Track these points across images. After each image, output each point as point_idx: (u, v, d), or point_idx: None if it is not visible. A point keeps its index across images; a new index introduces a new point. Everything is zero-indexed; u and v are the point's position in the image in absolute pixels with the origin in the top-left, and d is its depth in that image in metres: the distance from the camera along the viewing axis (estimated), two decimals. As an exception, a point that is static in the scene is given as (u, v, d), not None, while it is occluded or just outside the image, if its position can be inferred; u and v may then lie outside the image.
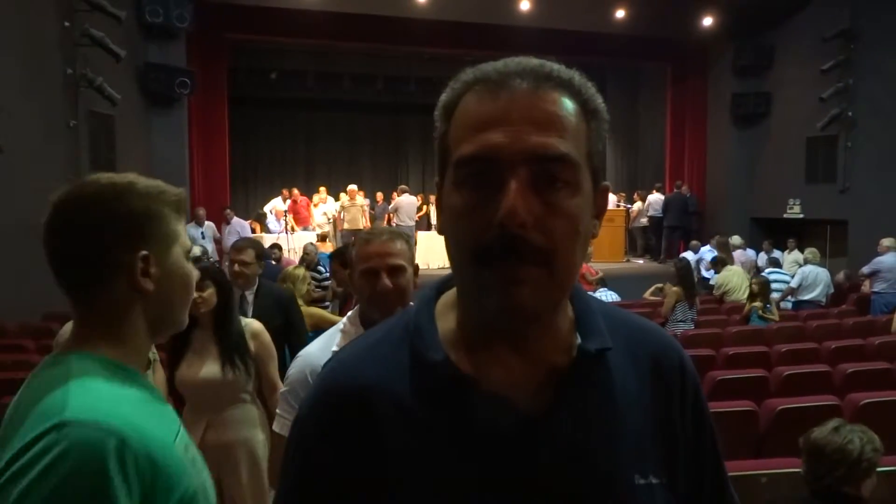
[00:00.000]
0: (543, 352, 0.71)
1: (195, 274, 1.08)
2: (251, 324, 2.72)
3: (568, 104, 0.66)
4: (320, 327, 4.06)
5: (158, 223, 1.01)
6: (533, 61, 0.68)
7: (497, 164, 0.63)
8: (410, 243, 1.80)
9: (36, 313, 5.92)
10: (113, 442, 0.81)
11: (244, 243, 3.77)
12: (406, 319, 0.75)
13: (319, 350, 1.76)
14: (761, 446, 3.62)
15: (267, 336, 2.72)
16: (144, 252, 0.98)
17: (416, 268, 1.79)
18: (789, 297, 8.38)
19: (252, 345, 2.64)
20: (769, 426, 3.60)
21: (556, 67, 0.68)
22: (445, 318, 0.73)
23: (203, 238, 9.43)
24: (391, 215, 11.68)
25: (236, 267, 3.51)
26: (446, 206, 0.68)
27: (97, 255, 0.97)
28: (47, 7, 6.93)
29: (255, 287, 3.62)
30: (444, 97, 0.70)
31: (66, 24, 7.12)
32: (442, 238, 0.71)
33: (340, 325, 1.84)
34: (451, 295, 0.76)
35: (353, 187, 11.90)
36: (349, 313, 1.83)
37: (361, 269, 1.70)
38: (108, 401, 0.87)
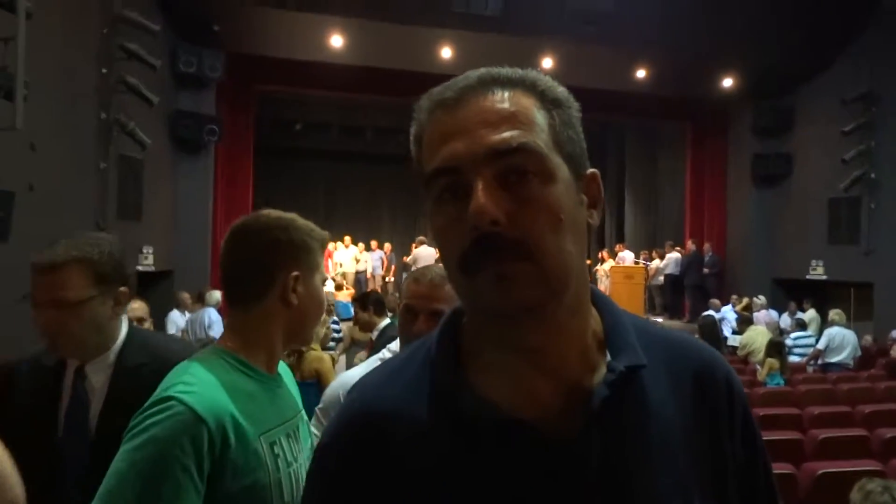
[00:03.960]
0: (569, 370, 0.67)
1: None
2: None
3: (521, 99, 0.66)
4: (321, 378, 3.97)
5: (309, 253, 1.26)
6: (481, 70, 0.69)
7: (462, 171, 0.63)
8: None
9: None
10: (194, 423, 1.02)
11: (64, 251, 1.46)
12: (428, 344, 0.74)
13: (358, 375, 1.76)
14: (802, 512, 3.47)
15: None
16: (296, 273, 1.23)
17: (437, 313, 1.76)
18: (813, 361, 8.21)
19: None
20: (809, 491, 3.46)
21: (504, 70, 0.69)
22: (466, 343, 0.71)
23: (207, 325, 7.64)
24: (410, 266, 11.70)
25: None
26: (432, 227, 0.68)
27: (261, 273, 1.22)
28: (88, 54, 7.14)
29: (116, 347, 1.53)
30: (413, 129, 0.71)
31: (104, 70, 7.33)
32: None
33: (382, 354, 1.88)
34: None
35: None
36: (390, 344, 1.85)
37: (404, 304, 1.70)
38: (209, 389, 1.09)
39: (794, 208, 11.51)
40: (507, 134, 0.63)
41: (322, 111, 14.52)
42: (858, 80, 10.03)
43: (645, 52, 10.49)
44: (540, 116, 0.66)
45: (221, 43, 9.60)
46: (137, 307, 2.79)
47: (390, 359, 0.78)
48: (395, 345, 1.86)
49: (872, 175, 10.02)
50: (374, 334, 4.59)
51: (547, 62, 10.69)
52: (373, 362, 1.84)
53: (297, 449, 1.21)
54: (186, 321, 7.84)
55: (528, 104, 0.66)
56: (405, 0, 9.17)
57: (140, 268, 8.41)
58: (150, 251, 8.52)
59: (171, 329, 7.82)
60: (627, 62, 10.89)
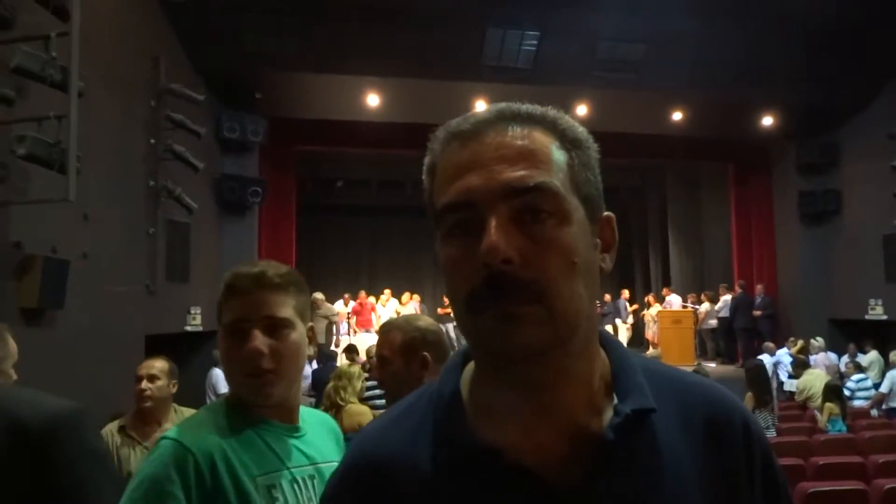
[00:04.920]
0: (574, 414, 0.64)
1: None
2: None
3: (540, 138, 0.65)
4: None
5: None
6: (500, 105, 0.68)
7: (476, 207, 0.62)
8: (408, 334, 1.77)
9: (104, 414, 6.02)
10: (180, 453, 1.08)
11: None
12: (432, 388, 0.72)
13: None
14: (868, 571, 3.25)
15: None
16: (311, 324, 1.29)
17: (423, 359, 1.74)
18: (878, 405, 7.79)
19: None
20: (876, 548, 3.24)
21: (524, 107, 0.67)
22: (471, 386, 0.69)
23: None
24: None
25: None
26: (440, 262, 0.66)
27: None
28: (137, 126, 7.51)
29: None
30: (426, 159, 0.70)
31: (152, 140, 7.68)
32: None
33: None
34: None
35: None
36: None
37: None
38: (199, 427, 1.15)
39: (847, 246, 11.12)
40: (524, 171, 0.62)
41: (362, 168, 14.83)
42: (904, 112, 9.78)
43: (680, 94, 10.47)
44: (559, 156, 0.65)
45: (262, 108, 9.98)
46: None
47: (393, 406, 0.76)
48: None
49: (928, 209, 9.65)
50: None
51: (581, 109, 10.75)
52: None
53: (306, 497, 1.18)
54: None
55: (547, 142, 0.65)
56: (437, 57, 9.41)
57: (188, 328, 8.61)
58: (199, 311, 8.73)
59: (221, 388, 7.87)
60: (663, 106, 10.88)
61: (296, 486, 1.17)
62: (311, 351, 1.29)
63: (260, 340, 1.15)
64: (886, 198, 9.89)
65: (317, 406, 3.99)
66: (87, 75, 5.33)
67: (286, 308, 1.20)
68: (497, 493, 0.62)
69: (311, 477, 1.21)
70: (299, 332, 1.22)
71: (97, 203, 6.35)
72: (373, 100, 10.34)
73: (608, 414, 0.65)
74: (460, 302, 0.63)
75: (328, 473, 1.24)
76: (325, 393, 4.26)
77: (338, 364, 7.08)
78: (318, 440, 1.29)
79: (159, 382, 2.83)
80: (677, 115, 11.02)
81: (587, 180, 0.67)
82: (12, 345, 1.79)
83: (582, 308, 0.63)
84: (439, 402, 0.69)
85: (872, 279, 10.49)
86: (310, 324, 1.28)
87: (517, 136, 0.64)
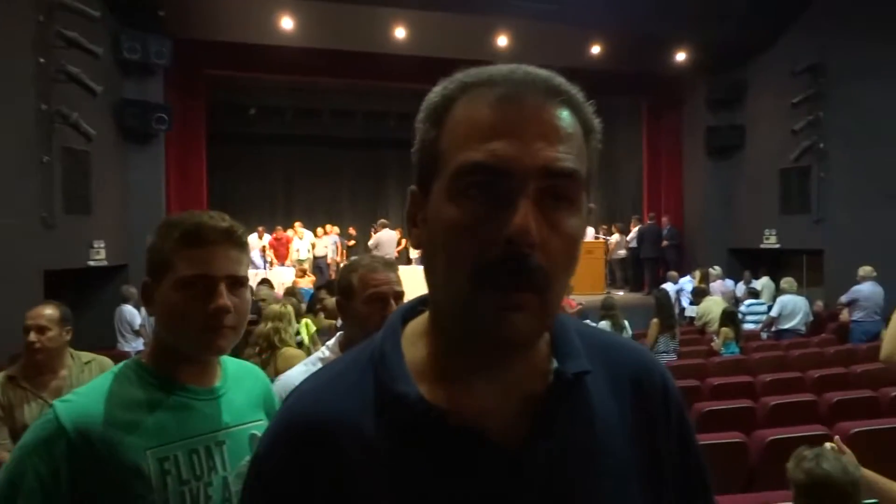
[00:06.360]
0: (518, 377, 0.66)
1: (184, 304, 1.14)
2: None
3: (573, 121, 0.64)
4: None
5: (154, 254, 1.16)
6: (541, 73, 0.65)
7: (506, 176, 0.59)
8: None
9: (3, 355, 5.73)
10: (52, 428, 1.05)
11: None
12: (371, 348, 0.70)
13: (299, 375, 1.70)
14: (752, 479, 3.57)
15: None
16: (146, 279, 1.18)
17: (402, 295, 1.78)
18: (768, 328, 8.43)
19: None
20: (760, 458, 3.55)
21: (562, 81, 0.65)
22: (414, 346, 0.69)
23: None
24: (371, 250, 11.62)
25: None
26: (437, 218, 0.63)
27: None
28: (23, 43, 6.87)
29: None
30: (433, 98, 0.66)
31: (42, 60, 7.05)
32: (421, 272, 0.67)
33: (321, 354, 1.81)
34: (420, 322, 0.71)
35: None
36: (329, 342, 1.82)
37: (368, 295, 1.70)
38: (89, 398, 1.10)
39: (747, 179, 11.74)
40: (562, 154, 0.61)
41: (276, 95, 14.23)
42: (807, 51, 10.20)
43: (599, 28, 10.51)
44: (583, 144, 0.64)
45: (167, 28, 9.29)
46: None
47: (330, 363, 0.74)
48: (332, 342, 1.83)
49: (821, 145, 10.25)
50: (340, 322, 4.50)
51: (502, 40, 10.64)
52: (313, 361, 1.79)
53: (206, 467, 1.14)
54: (144, 317, 7.65)
55: (578, 128, 0.64)
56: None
57: (92, 263, 8.20)
58: (102, 245, 8.30)
59: (136, 323, 7.61)
60: (581, 39, 10.90)
61: (194, 457, 1.13)
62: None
63: (226, 297, 1.13)
64: (785, 133, 10.45)
65: (245, 348, 3.81)
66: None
67: (244, 266, 1.20)
68: (444, 455, 0.63)
69: (220, 443, 1.17)
70: (248, 289, 1.23)
71: (-20, 128, 5.83)
72: (287, 22, 9.83)
73: (550, 377, 0.67)
74: (462, 270, 0.60)
75: (242, 436, 1.20)
76: (258, 334, 3.95)
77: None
78: (239, 399, 1.24)
79: (50, 333, 2.59)
80: (595, 49, 11.09)
81: (595, 173, 0.67)
82: None
83: (562, 300, 0.65)
84: (383, 362, 0.67)
85: (768, 211, 11.18)
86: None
87: (556, 114, 0.62)
